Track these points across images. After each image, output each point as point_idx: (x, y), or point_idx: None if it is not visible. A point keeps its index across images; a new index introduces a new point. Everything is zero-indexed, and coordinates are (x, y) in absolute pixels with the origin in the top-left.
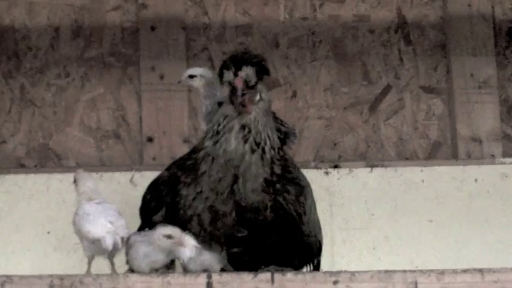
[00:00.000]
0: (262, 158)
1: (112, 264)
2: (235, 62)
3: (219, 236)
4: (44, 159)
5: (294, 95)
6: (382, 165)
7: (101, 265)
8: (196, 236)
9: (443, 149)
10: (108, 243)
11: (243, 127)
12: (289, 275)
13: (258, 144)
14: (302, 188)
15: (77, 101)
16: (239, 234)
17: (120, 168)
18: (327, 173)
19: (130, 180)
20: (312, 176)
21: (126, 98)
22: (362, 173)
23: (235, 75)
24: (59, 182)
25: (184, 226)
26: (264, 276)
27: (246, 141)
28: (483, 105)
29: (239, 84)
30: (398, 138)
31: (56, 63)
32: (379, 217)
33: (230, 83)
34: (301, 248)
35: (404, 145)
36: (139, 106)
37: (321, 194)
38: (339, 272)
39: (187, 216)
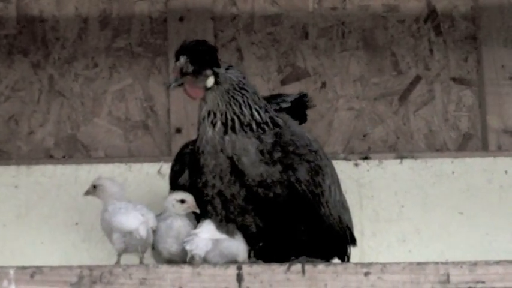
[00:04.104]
0: (245, 132)
1: (142, 258)
2: (177, 52)
3: (235, 218)
4: (73, 150)
5: (324, 85)
6: (412, 157)
7: (129, 260)
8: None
9: (474, 141)
10: (142, 233)
11: (209, 113)
12: (320, 266)
13: (225, 125)
14: (318, 167)
15: (105, 92)
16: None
17: (148, 159)
18: (356, 164)
19: (159, 171)
20: (342, 168)
21: (155, 89)
22: (392, 165)
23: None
24: (87, 173)
25: (202, 209)
26: (295, 267)
27: (214, 125)
28: None
29: (173, 73)
30: (428, 130)
31: (84, 53)
32: (409, 209)
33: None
34: (322, 231)
35: (434, 136)
36: (167, 97)
37: (350, 186)
38: (370, 264)
39: (202, 201)
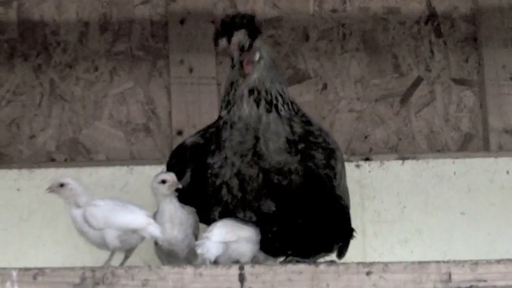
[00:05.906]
0: (280, 116)
1: (127, 257)
2: (226, 28)
3: (251, 201)
4: (74, 153)
5: (325, 87)
6: (414, 158)
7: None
8: (228, 204)
9: (475, 141)
10: (155, 232)
11: (251, 91)
12: (322, 266)
13: (270, 103)
14: (331, 152)
15: (106, 95)
16: (269, 210)
17: (150, 161)
18: (358, 165)
19: None
20: None
21: (156, 92)
22: (393, 166)
23: (229, 42)
24: (88, 176)
25: (215, 196)
26: (297, 267)
27: (258, 104)
28: None
29: (234, 52)
30: (429, 131)
31: (85, 57)
32: (411, 210)
33: (226, 51)
34: (333, 212)
35: (435, 137)
36: (168, 99)
37: (352, 187)
38: (372, 263)
39: (217, 185)
